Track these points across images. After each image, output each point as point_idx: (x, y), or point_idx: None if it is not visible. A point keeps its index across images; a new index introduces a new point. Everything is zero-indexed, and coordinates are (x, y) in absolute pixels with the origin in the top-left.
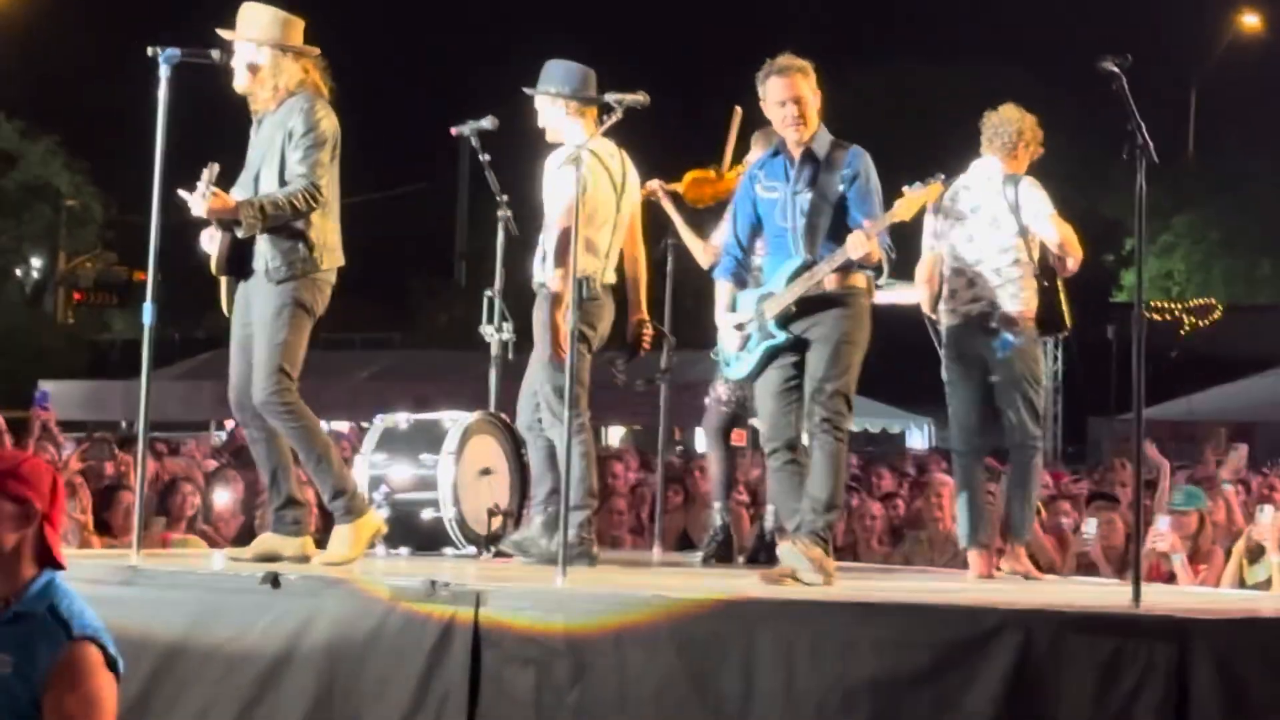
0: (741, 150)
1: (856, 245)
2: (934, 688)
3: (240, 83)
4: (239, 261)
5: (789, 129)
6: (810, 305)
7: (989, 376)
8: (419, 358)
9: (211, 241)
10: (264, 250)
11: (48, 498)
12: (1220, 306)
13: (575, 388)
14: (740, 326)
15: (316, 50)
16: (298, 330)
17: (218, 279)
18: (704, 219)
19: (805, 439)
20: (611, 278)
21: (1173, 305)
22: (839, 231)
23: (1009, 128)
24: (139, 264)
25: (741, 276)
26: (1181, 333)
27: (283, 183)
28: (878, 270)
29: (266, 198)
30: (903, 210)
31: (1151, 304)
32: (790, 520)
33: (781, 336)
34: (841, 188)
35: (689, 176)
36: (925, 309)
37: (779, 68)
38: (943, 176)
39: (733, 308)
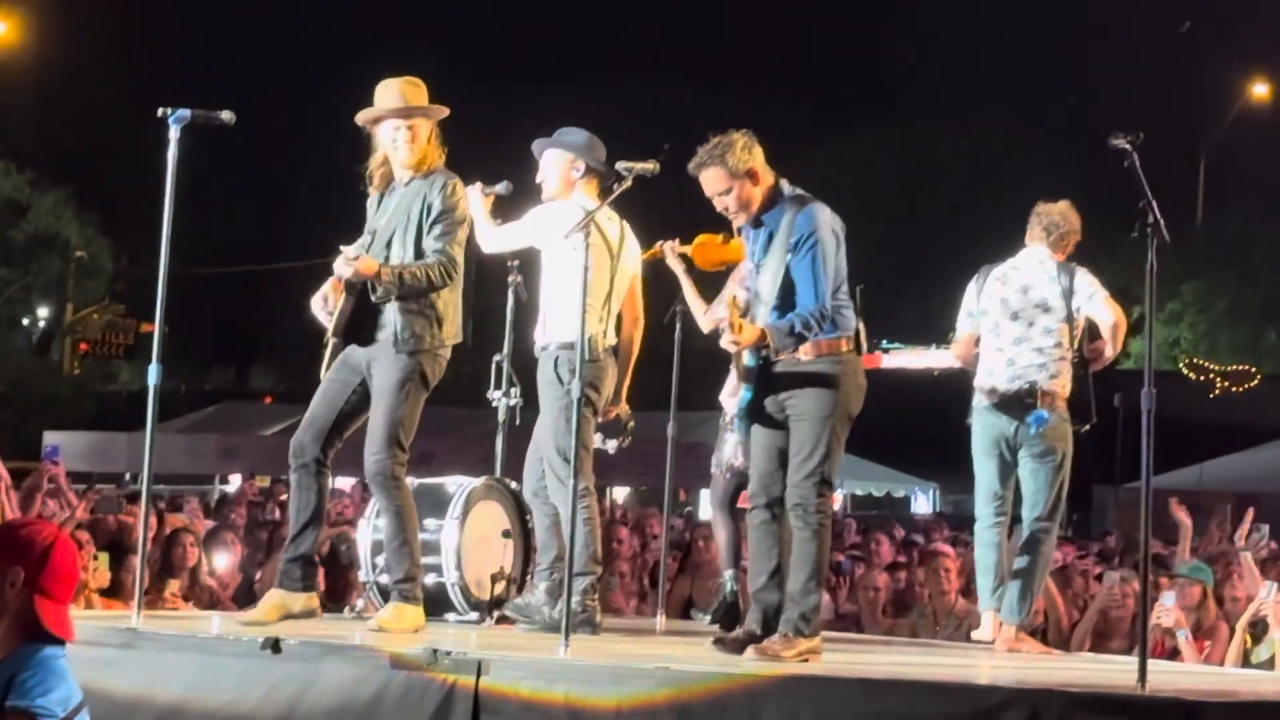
0: None
1: (724, 345)
2: None
3: (402, 158)
4: (358, 326)
5: (730, 217)
6: (786, 379)
7: (1019, 452)
8: (425, 414)
9: (326, 305)
10: (393, 319)
11: (35, 564)
12: (1259, 374)
13: (580, 451)
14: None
15: (446, 110)
16: (416, 404)
17: (325, 342)
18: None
19: None
20: (613, 339)
21: (1209, 365)
22: (787, 300)
23: (1064, 226)
24: (147, 316)
25: None
26: (1211, 395)
27: (417, 255)
28: (801, 339)
29: (406, 267)
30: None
31: (1190, 360)
32: (755, 581)
33: (745, 398)
34: (788, 256)
35: (698, 240)
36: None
37: (694, 164)
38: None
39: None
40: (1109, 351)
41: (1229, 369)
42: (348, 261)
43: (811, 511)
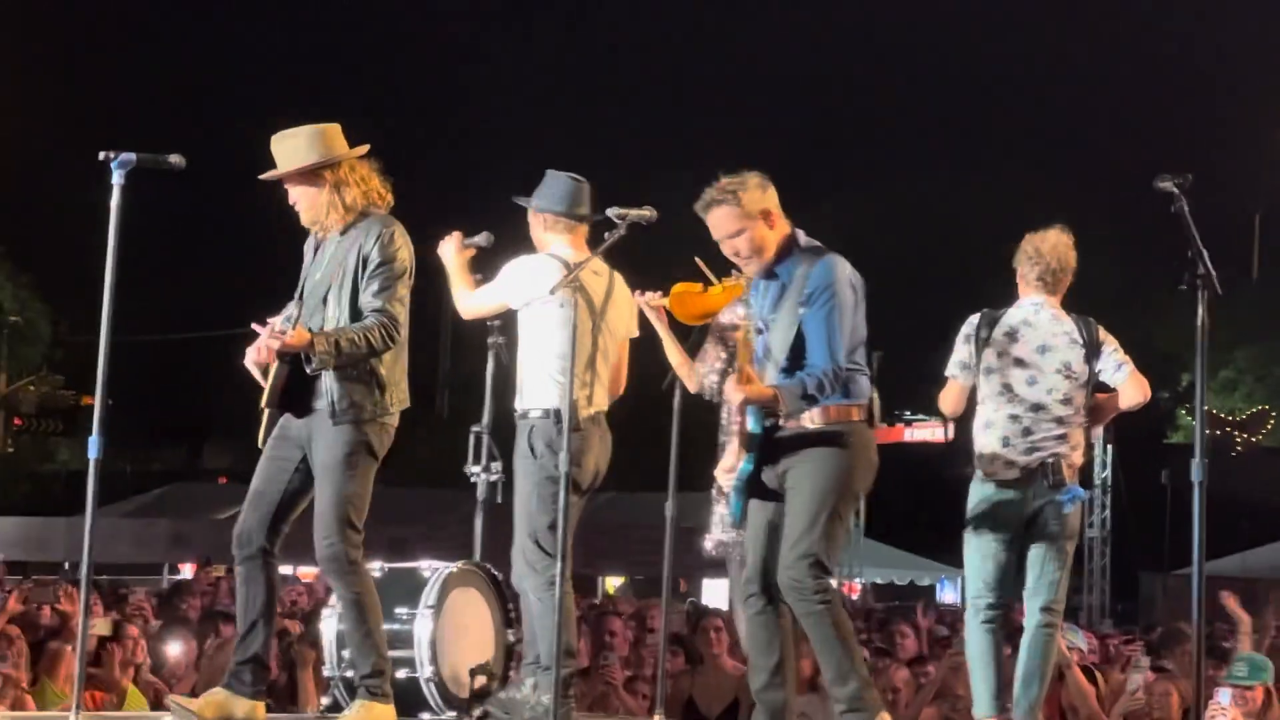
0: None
1: (727, 393)
2: None
3: (308, 218)
4: (293, 395)
5: (741, 263)
6: (789, 447)
7: (1029, 534)
8: (396, 497)
9: (257, 363)
10: (331, 388)
11: None
12: (1275, 414)
13: (553, 532)
14: (731, 470)
15: (363, 148)
16: (365, 478)
17: (260, 411)
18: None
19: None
20: (600, 406)
21: (1223, 416)
22: (797, 359)
23: (1059, 267)
24: (87, 388)
25: None
26: (1233, 454)
27: (354, 314)
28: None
29: (342, 333)
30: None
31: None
32: (756, 679)
33: (740, 484)
34: (802, 310)
35: (675, 290)
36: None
37: (703, 203)
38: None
39: None
40: (1106, 416)
41: (1246, 416)
42: (275, 336)
43: (808, 591)
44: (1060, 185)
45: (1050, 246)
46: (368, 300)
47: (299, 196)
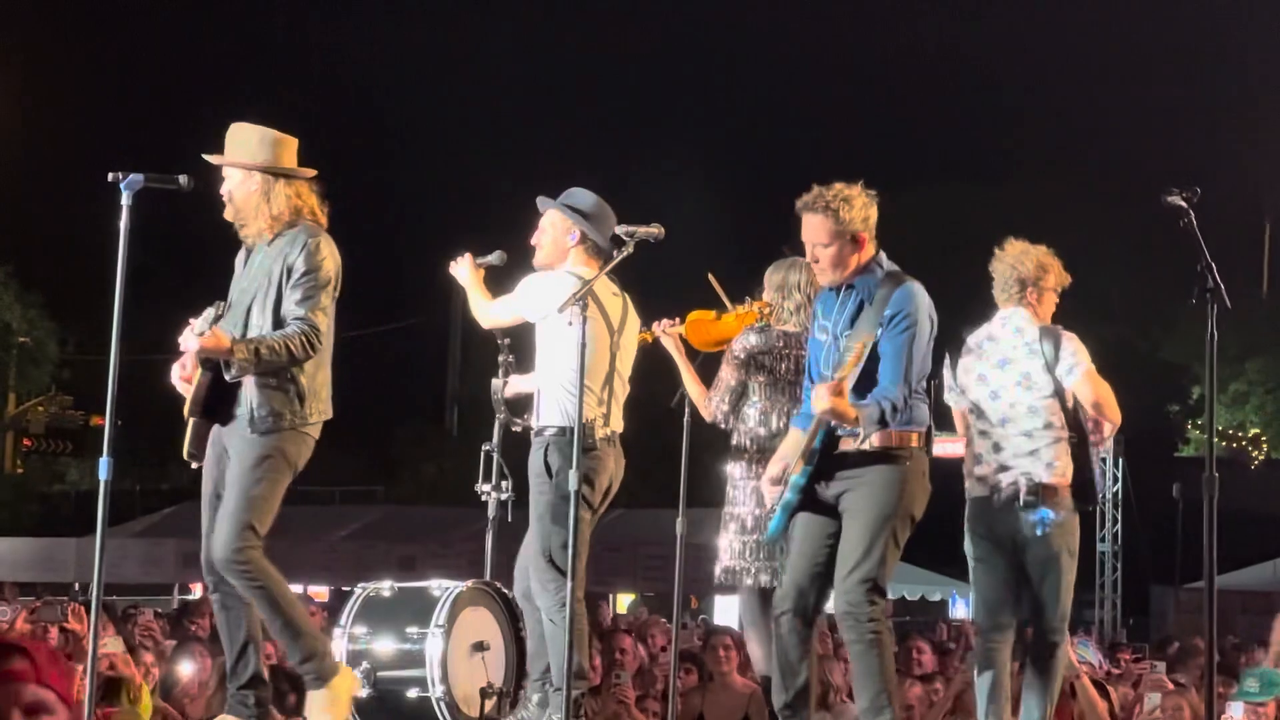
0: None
1: (816, 398)
2: None
3: (230, 212)
4: (216, 404)
5: (816, 270)
6: (846, 465)
7: (1021, 554)
8: (405, 515)
9: (183, 379)
10: (250, 396)
11: None
12: None
13: (567, 551)
14: (779, 480)
15: (311, 172)
16: (275, 485)
17: (185, 420)
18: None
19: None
20: (615, 427)
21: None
22: (869, 377)
23: (1025, 271)
24: (96, 408)
25: None
26: (1252, 467)
27: (277, 323)
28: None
29: (262, 340)
30: (851, 359)
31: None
32: (780, 696)
33: (791, 496)
34: (879, 330)
35: (690, 318)
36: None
37: (802, 204)
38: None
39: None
40: (1106, 430)
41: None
42: (194, 336)
43: (864, 620)
44: (1069, 198)
45: (1009, 258)
46: (290, 309)
47: (233, 189)
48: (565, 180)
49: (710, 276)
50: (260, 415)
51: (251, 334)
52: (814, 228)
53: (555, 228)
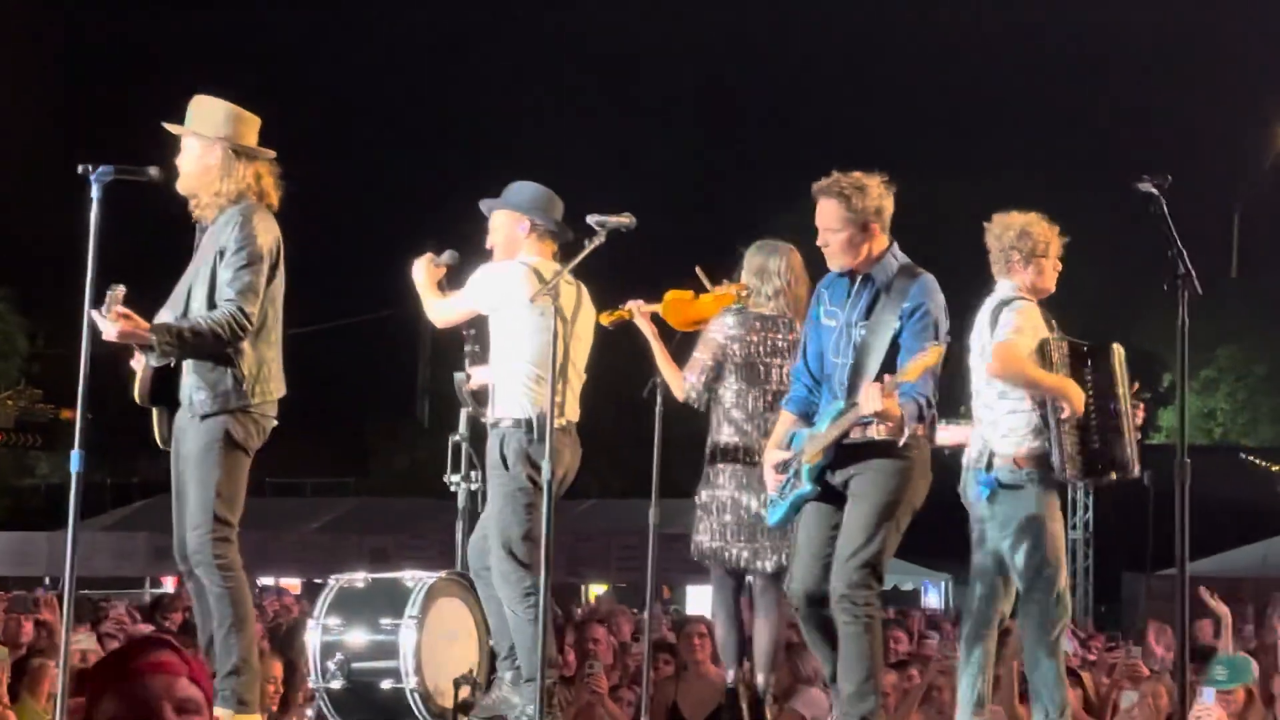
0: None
1: (869, 399)
2: None
3: (185, 183)
4: (166, 391)
5: (826, 254)
6: (853, 454)
7: (980, 524)
8: (377, 506)
9: (108, 339)
10: (188, 381)
11: None
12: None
13: (527, 543)
14: (782, 468)
15: (272, 153)
16: (231, 470)
17: (149, 410)
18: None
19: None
20: (571, 416)
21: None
22: (890, 369)
23: (1006, 242)
24: (66, 401)
25: (808, 409)
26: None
27: (213, 304)
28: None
29: (186, 323)
30: (923, 361)
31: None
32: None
33: (809, 488)
34: (898, 323)
35: (668, 297)
36: None
37: (817, 188)
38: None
39: (790, 444)
40: (1066, 410)
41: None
42: (110, 323)
43: (860, 604)
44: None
45: (994, 230)
46: (222, 290)
47: (188, 161)
48: (539, 173)
49: (698, 269)
50: (199, 399)
51: (191, 315)
52: (826, 212)
53: (506, 225)
